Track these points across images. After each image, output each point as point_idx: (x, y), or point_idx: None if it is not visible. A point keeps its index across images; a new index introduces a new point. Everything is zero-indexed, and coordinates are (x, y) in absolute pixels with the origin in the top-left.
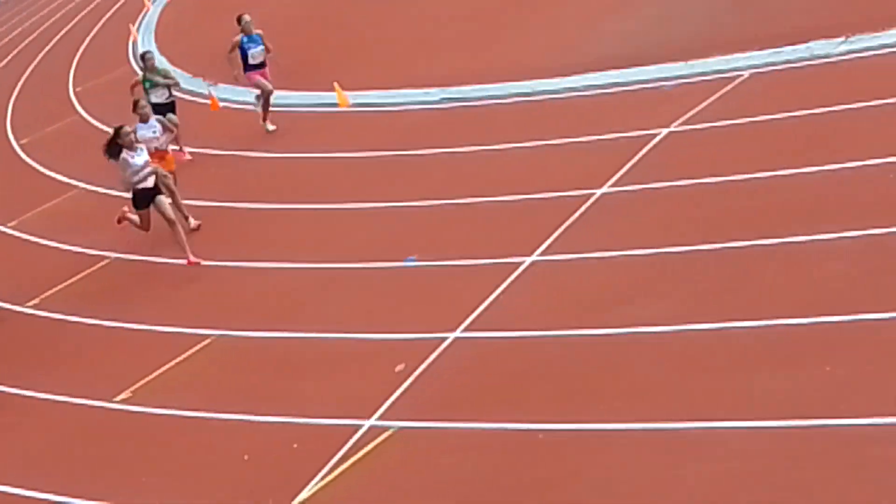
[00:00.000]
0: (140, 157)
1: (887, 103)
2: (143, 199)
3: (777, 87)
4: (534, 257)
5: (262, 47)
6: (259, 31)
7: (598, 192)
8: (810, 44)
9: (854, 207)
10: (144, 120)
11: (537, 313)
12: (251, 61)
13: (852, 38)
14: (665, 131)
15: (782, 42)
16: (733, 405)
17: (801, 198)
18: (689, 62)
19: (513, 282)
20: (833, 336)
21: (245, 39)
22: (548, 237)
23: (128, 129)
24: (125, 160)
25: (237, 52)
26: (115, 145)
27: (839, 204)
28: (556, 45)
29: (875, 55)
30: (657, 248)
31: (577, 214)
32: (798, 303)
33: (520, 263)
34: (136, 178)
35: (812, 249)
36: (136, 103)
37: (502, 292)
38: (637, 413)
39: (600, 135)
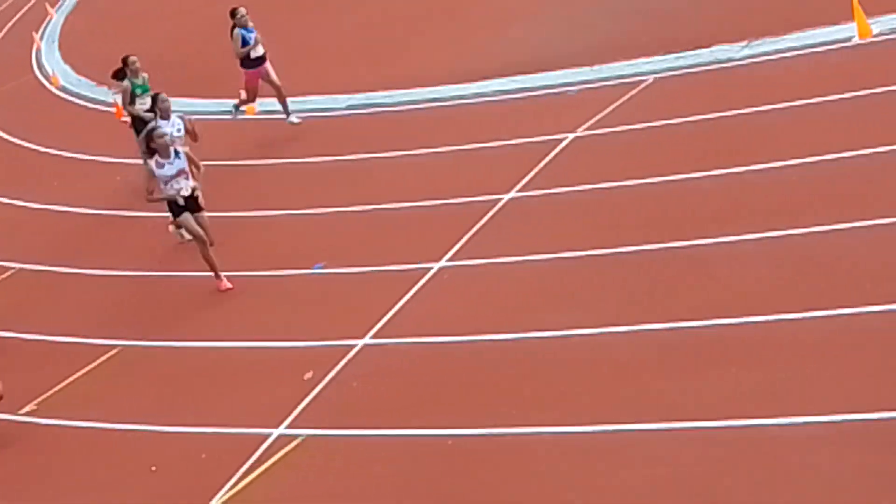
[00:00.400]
0: (171, 168)
1: (791, 106)
2: (177, 209)
3: (681, 92)
4: (442, 263)
5: (255, 37)
6: (251, 27)
7: (506, 197)
8: (713, 48)
9: (763, 210)
10: (165, 116)
11: (446, 319)
12: (251, 55)
13: (754, 43)
14: (571, 136)
15: (686, 47)
16: (647, 410)
17: (710, 201)
18: (594, 67)
19: (421, 288)
20: (749, 338)
21: (244, 32)
22: (455, 243)
23: (161, 130)
24: (151, 168)
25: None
26: (150, 148)
27: (748, 207)
28: (464, 51)
29: (776, 59)
30: (566, 252)
31: (484, 220)
32: (710, 306)
33: (428, 269)
34: (164, 187)
35: (722, 252)
36: (155, 98)
37: (410, 299)
38: (549, 418)
39: (506, 140)
